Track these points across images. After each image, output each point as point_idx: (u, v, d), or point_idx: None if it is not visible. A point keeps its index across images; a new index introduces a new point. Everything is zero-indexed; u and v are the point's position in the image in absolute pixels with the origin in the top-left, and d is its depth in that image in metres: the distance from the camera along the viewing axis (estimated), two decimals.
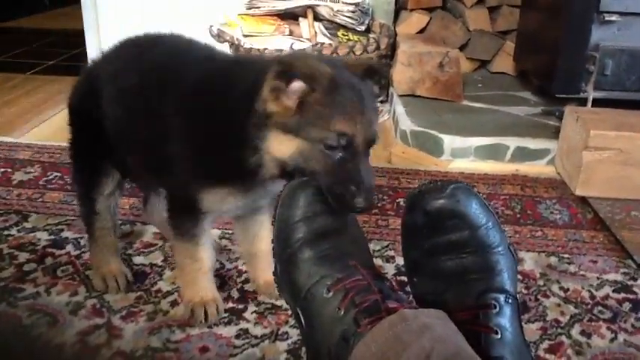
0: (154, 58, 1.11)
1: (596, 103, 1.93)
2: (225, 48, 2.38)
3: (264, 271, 1.19)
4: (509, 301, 0.83)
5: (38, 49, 3.38)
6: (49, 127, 2.14)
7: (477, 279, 0.84)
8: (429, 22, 2.51)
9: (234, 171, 0.97)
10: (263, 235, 1.18)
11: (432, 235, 0.86)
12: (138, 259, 1.32)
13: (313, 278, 0.83)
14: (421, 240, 0.87)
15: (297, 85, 0.87)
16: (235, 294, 1.21)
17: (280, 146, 0.91)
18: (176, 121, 1.01)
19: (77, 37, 3.55)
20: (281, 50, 2.17)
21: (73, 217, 1.45)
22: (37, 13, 4.69)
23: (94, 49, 2.76)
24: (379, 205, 1.58)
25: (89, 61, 2.69)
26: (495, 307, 0.81)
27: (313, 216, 0.87)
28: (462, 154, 1.88)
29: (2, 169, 1.73)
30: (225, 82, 0.98)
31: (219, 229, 1.43)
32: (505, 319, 0.81)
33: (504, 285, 0.84)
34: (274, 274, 0.92)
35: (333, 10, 2.25)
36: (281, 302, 1.16)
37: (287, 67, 0.87)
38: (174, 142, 1.02)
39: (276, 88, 0.88)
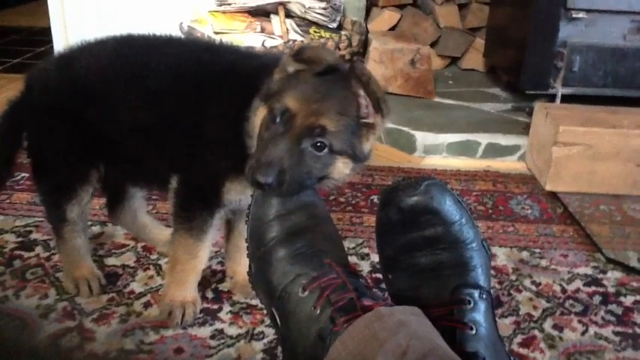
0: (179, 59, 1.08)
1: (565, 99, 1.97)
2: None
3: (245, 267, 1.17)
4: (484, 296, 0.84)
5: (3, 47, 3.30)
6: None
7: (451, 274, 0.84)
8: (400, 20, 2.52)
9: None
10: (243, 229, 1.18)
11: (407, 231, 0.86)
12: (109, 261, 1.29)
13: (288, 277, 0.83)
14: (396, 236, 0.87)
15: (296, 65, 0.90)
16: (210, 294, 1.20)
17: (256, 117, 0.92)
18: (212, 113, 1.01)
19: (42, 35, 3.49)
20: (253, 47, 2.15)
21: (41, 219, 1.41)
22: (1, 9, 4.58)
23: (60, 47, 2.71)
24: (353, 202, 1.59)
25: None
26: (470, 303, 0.82)
27: (287, 214, 0.87)
28: (434, 151, 1.89)
29: None
30: (251, 73, 0.98)
31: None
32: (479, 315, 0.82)
33: (478, 280, 0.85)
34: (249, 273, 0.91)
35: (304, 7, 2.24)
36: (256, 302, 1.15)
37: (300, 49, 0.90)
38: (211, 134, 1.01)
39: (283, 64, 0.91)
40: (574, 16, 1.89)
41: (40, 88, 1.12)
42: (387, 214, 0.87)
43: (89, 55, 1.12)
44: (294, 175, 0.84)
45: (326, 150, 0.86)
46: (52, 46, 2.79)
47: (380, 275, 1.23)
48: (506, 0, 2.28)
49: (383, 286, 1.18)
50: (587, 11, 1.89)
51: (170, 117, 1.05)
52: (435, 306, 0.81)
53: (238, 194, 1.02)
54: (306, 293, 0.81)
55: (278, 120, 0.86)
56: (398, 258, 0.87)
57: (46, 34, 3.27)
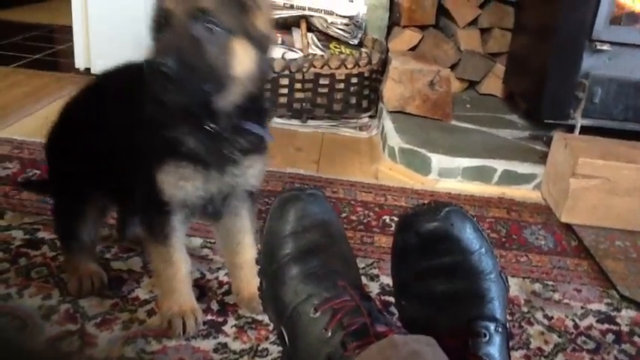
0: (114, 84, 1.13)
1: (584, 130, 1.94)
2: None
3: (248, 283, 1.15)
4: (499, 329, 0.81)
5: (23, 43, 3.31)
6: (30, 122, 2.09)
7: (467, 305, 0.82)
8: (421, 40, 2.51)
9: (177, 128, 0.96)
10: (246, 244, 1.15)
11: (424, 257, 0.84)
12: (115, 264, 1.28)
13: (300, 296, 0.81)
14: (412, 262, 0.85)
15: None
16: (215, 306, 1.17)
17: None
18: (127, 120, 1.02)
19: (63, 33, 3.51)
20: (272, 59, 2.15)
21: (50, 217, 1.40)
22: (23, 5, 4.61)
23: (81, 45, 2.72)
24: (365, 221, 1.56)
25: (76, 58, 2.65)
26: (485, 336, 0.79)
27: (302, 231, 0.85)
28: (449, 174, 1.87)
29: None
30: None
31: (201, 237, 1.40)
32: (494, 349, 0.79)
33: (495, 313, 0.82)
34: (259, 289, 0.89)
35: (326, 21, 2.24)
36: (262, 317, 1.13)
37: None
38: (131, 137, 1.01)
39: None
40: (598, 47, 1.87)
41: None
42: (405, 239, 0.85)
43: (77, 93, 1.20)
44: (196, 60, 0.83)
45: (217, 29, 0.85)
46: (73, 44, 2.80)
47: (389, 298, 1.21)
48: (528, 28, 2.27)
49: (392, 309, 1.16)
50: (612, 44, 1.87)
51: (111, 136, 1.07)
52: (450, 336, 0.79)
53: (174, 187, 0.99)
54: (318, 314, 0.79)
55: (161, 18, 0.88)
56: (413, 284, 0.85)
57: (66, 32, 3.30)
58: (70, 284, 1.17)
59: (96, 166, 1.11)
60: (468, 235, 0.83)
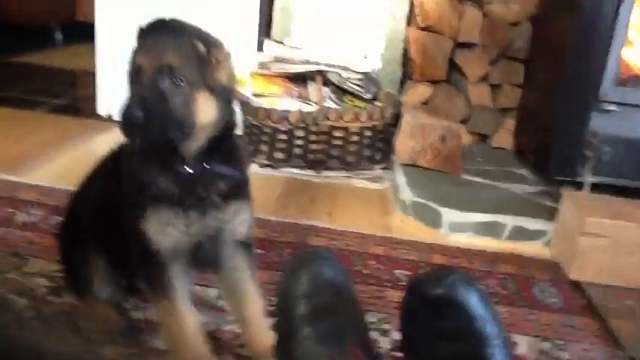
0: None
1: (594, 186, 1.98)
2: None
3: (259, 336, 1.18)
4: None
5: (46, 87, 3.43)
6: (54, 168, 2.16)
7: None
8: (433, 94, 2.59)
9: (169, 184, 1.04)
10: (251, 299, 1.19)
11: (429, 320, 0.87)
12: (135, 314, 1.32)
13: (311, 357, 0.85)
14: (419, 324, 0.88)
15: None
16: (230, 359, 1.21)
17: None
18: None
19: (85, 78, 3.63)
20: (288, 111, 2.22)
21: None
22: (46, 49, 4.77)
23: (104, 92, 2.81)
24: (376, 275, 1.60)
25: (98, 104, 2.73)
26: None
27: (315, 293, 0.89)
28: (460, 229, 1.91)
29: (7, 209, 1.74)
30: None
31: (215, 287, 1.44)
32: None
33: None
34: (274, 345, 0.93)
35: (341, 76, 2.32)
36: None
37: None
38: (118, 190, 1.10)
39: None
40: (605, 108, 1.92)
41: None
42: (412, 303, 0.89)
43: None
44: (161, 111, 0.93)
45: (181, 83, 0.96)
46: (94, 90, 2.90)
47: (400, 354, 1.23)
48: (537, 84, 2.34)
49: None
50: (619, 104, 1.93)
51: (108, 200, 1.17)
52: None
53: (159, 233, 1.04)
54: None
55: (134, 73, 0.98)
56: (420, 346, 0.89)
57: (88, 77, 3.42)
58: (89, 328, 1.22)
59: (97, 229, 1.20)
60: (473, 302, 0.87)
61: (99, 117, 2.81)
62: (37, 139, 2.44)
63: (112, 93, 2.78)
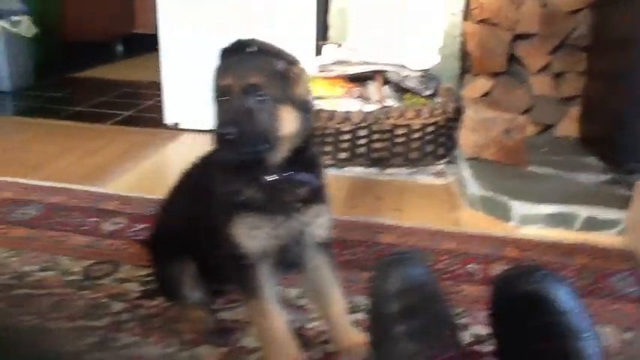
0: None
1: None
2: None
3: (346, 332, 1.24)
4: None
5: (113, 100, 3.58)
6: (131, 177, 2.27)
7: None
8: (493, 87, 2.57)
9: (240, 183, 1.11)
10: (334, 297, 1.24)
11: (520, 318, 0.90)
12: (223, 314, 1.39)
13: (407, 354, 0.88)
14: (509, 322, 0.91)
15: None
16: (318, 355, 1.25)
17: None
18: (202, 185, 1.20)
19: (148, 89, 3.77)
20: (350, 112, 2.26)
21: None
22: (108, 62, 4.96)
23: (170, 102, 2.92)
24: (450, 270, 1.62)
25: (165, 114, 2.83)
26: None
27: (405, 292, 0.93)
28: (530, 221, 1.90)
29: (93, 219, 1.85)
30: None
31: (295, 287, 1.49)
32: None
33: None
34: (367, 344, 0.97)
35: (401, 74, 2.34)
36: None
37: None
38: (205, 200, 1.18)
39: None
40: None
41: None
42: (501, 301, 0.92)
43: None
44: (251, 126, 1.01)
45: (266, 100, 1.03)
46: (159, 100, 3.02)
47: (481, 348, 1.26)
48: (603, 72, 2.30)
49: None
50: None
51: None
52: None
53: (248, 237, 1.11)
54: None
55: (220, 93, 1.06)
56: (512, 343, 0.91)
57: (151, 87, 3.55)
58: (181, 328, 1.31)
59: (187, 235, 1.27)
60: (563, 297, 0.89)
61: (166, 126, 2.93)
62: (112, 151, 2.57)
63: (178, 102, 2.89)
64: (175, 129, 2.89)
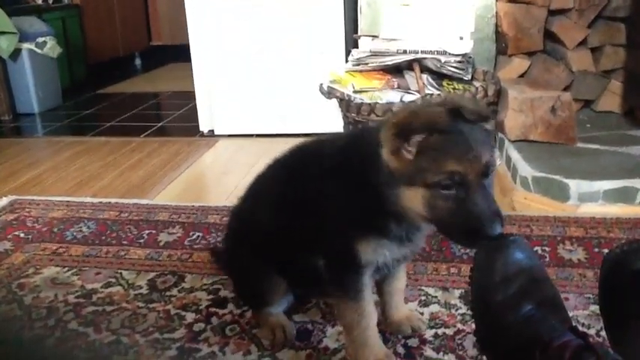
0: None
1: None
2: (334, 104, 2.48)
3: (397, 308, 1.28)
4: None
5: (144, 112, 3.59)
6: (176, 187, 2.28)
7: None
8: (530, 66, 2.53)
9: (383, 222, 1.05)
10: (400, 275, 1.26)
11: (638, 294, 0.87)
12: (297, 317, 1.37)
13: (521, 341, 0.86)
14: (625, 300, 0.88)
15: (417, 137, 0.93)
16: (401, 350, 1.24)
17: (411, 201, 0.96)
18: (322, 196, 1.11)
19: (177, 99, 3.78)
20: (392, 103, 2.23)
21: (225, 277, 1.52)
22: (130, 76, 4.99)
23: (204, 109, 2.92)
24: None
25: (200, 121, 2.84)
26: None
27: (510, 279, 0.90)
28: (589, 199, 1.86)
29: (147, 231, 1.85)
30: (348, 155, 1.08)
31: None
32: None
33: None
34: (475, 335, 0.95)
35: (440, 62, 2.30)
36: (447, 357, 1.18)
37: (403, 125, 0.93)
38: (325, 209, 1.11)
39: (396, 149, 0.94)
40: None
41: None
42: (616, 278, 0.88)
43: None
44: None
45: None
46: (192, 108, 3.02)
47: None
48: None
49: None
50: None
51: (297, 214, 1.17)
52: None
53: (373, 254, 1.08)
54: (543, 356, 0.83)
55: (450, 183, 0.91)
56: (629, 322, 0.88)
57: (180, 97, 3.56)
58: (263, 336, 1.29)
59: (276, 241, 1.22)
60: None
61: (202, 134, 2.93)
62: (152, 163, 2.57)
63: (211, 109, 2.89)
64: (211, 136, 2.89)
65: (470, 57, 2.36)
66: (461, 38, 2.32)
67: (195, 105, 2.96)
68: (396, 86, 2.33)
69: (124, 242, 1.79)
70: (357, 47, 2.46)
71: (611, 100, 2.54)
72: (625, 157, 2.06)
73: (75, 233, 1.87)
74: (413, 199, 0.95)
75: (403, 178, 0.95)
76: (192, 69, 2.87)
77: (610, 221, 1.75)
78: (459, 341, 1.24)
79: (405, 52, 2.31)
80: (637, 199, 1.84)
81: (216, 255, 1.58)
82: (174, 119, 3.35)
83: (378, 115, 2.22)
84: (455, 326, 1.29)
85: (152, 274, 1.59)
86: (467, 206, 0.90)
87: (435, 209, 0.93)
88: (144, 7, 5.60)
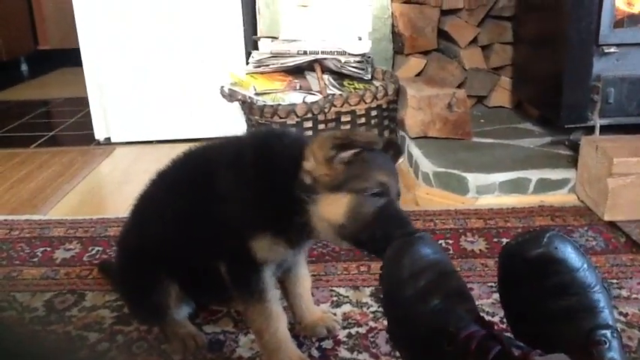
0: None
1: (603, 129, 2.04)
2: (236, 107, 2.44)
3: (308, 310, 1.29)
4: (615, 335, 0.88)
5: (33, 121, 3.37)
6: (71, 200, 2.14)
7: (582, 318, 0.89)
8: (425, 65, 2.61)
9: (282, 225, 1.07)
10: (303, 275, 1.28)
11: (533, 282, 0.91)
12: (208, 328, 1.33)
13: (430, 333, 0.87)
14: (522, 289, 0.92)
15: (353, 151, 1.02)
16: (315, 353, 1.23)
17: (332, 206, 1.01)
18: (222, 190, 1.10)
19: (66, 106, 3.58)
20: (294, 105, 2.23)
21: None
22: (15, 83, 4.67)
23: (98, 116, 2.78)
24: None
25: (95, 129, 2.70)
26: (605, 343, 0.86)
27: (418, 273, 0.92)
28: (486, 191, 1.95)
29: (42, 249, 1.73)
30: (264, 153, 1.09)
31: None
32: (616, 353, 0.86)
33: (608, 321, 0.89)
34: (387, 330, 0.96)
35: (340, 62, 2.33)
36: (362, 357, 1.19)
37: (345, 139, 1.02)
38: (223, 205, 1.09)
39: (330, 158, 1.01)
40: (606, 51, 1.97)
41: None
42: (513, 268, 0.92)
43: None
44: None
45: None
46: (86, 115, 2.87)
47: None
48: (530, 39, 2.38)
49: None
50: (618, 45, 1.98)
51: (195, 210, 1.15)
52: (574, 350, 0.85)
53: (268, 252, 1.09)
54: (451, 347, 0.85)
55: (379, 191, 1.01)
56: (526, 309, 0.92)
57: (74, 103, 3.38)
58: (173, 350, 1.24)
59: (170, 244, 1.19)
60: (570, 254, 0.91)
61: (97, 142, 2.79)
62: (44, 175, 2.41)
63: (107, 116, 2.75)
64: (108, 144, 2.76)
65: (369, 57, 2.41)
66: (359, 39, 2.36)
67: (90, 112, 2.81)
68: (298, 87, 2.33)
69: (16, 262, 1.66)
70: (257, 49, 2.44)
71: (501, 96, 2.68)
72: (517, 149, 2.18)
73: None
74: (333, 203, 1.01)
75: (328, 185, 1.01)
76: (84, 74, 2.72)
77: (506, 211, 1.84)
78: (372, 339, 1.25)
79: (305, 53, 2.31)
80: (530, 189, 1.95)
81: (105, 271, 1.53)
82: (67, 128, 3.17)
83: (281, 117, 2.21)
84: (367, 324, 1.31)
85: (49, 295, 1.49)
86: (387, 212, 1.00)
87: (357, 213, 0.99)
88: (28, 9, 5.27)
